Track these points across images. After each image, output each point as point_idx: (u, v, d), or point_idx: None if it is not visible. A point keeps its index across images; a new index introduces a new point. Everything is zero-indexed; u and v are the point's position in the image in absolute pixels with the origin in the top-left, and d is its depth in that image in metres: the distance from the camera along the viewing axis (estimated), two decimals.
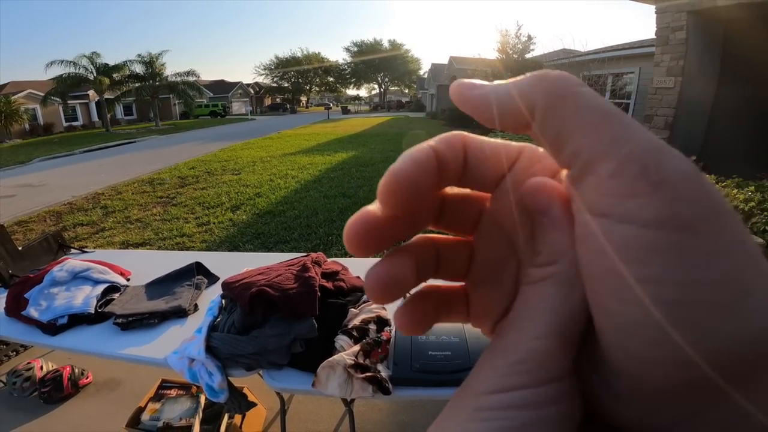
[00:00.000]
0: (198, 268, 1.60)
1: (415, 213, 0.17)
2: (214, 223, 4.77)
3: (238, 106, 41.04)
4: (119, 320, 1.28)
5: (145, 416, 1.52)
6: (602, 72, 6.61)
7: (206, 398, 1.58)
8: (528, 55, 12.59)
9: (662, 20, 5.78)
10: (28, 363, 2.02)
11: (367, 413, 1.78)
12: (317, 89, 50.41)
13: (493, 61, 13.25)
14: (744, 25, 5.04)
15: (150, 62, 23.32)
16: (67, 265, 1.50)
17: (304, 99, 52.28)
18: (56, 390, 1.93)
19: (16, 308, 1.37)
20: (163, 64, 23.76)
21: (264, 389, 1.63)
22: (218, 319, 1.13)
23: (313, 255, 1.31)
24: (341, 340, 0.99)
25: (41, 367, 2.02)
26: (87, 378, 2.07)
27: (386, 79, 48.26)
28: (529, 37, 12.54)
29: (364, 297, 1.23)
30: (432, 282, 0.18)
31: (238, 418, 1.57)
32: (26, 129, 21.96)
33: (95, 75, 21.43)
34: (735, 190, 2.95)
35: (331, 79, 48.46)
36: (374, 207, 0.15)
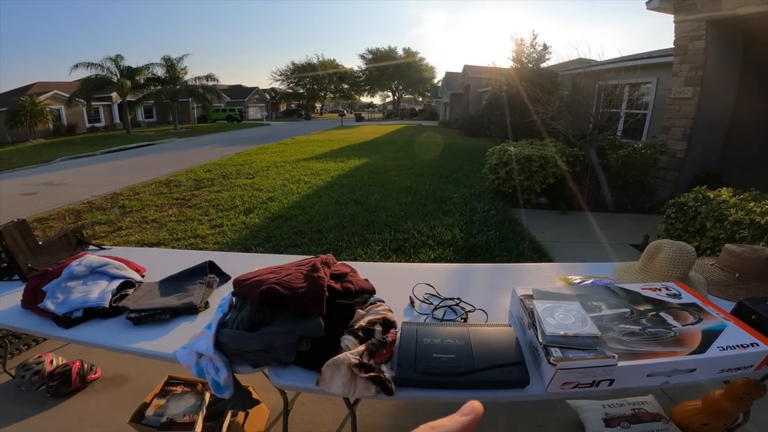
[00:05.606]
0: (210, 267, 1.63)
1: None
2: (227, 226, 4.85)
3: (254, 111, 41.72)
4: (132, 315, 1.31)
5: (149, 412, 1.54)
6: (618, 82, 6.53)
7: (210, 395, 1.60)
8: (543, 65, 12.52)
9: (681, 29, 5.72)
10: (39, 357, 2.06)
11: (370, 416, 1.78)
12: (332, 96, 50.95)
13: (508, 69, 13.21)
14: (765, 34, 4.95)
15: (171, 66, 23.90)
16: (85, 260, 1.54)
17: (318, 105, 52.86)
18: (64, 384, 1.96)
19: (33, 300, 1.41)
20: (183, 68, 24.32)
21: (268, 390, 1.64)
22: (228, 316, 1.15)
23: (323, 256, 1.33)
24: (347, 339, 1.00)
25: (51, 362, 2.06)
26: (95, 373, 2.11)
27: (400, 87, 48.57)
28: (545, 46, 12.48)
29: (371, 299, 1.24)
30: None
31: (241, 416, 1.58)
32: (50, 129, 22.67)
33: (119, 77, 22.05)
34: (752, 203, 2.87)
35: (345, 86, 48.95)
36: None
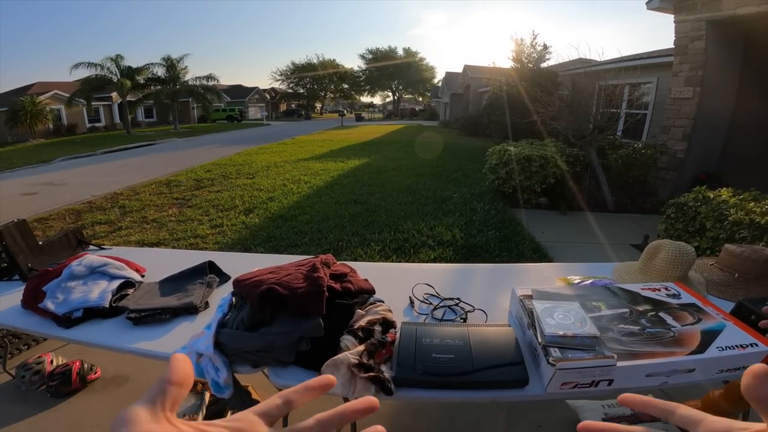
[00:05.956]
0: (210, 267, 1.63)
1: None
2: (227, 226, 4.85)
3: (254, 111, 41.73)
4: (132, 315, 1.31)
5: None
6: (618, 82, 6.53)
7: (210, 395, 1.60)
8: (543, 65, 12.52)
9: (681, 29, 5.72)
10: (39, 357, 2.06)
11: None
12: (332, 96, 50.95)
13: (508, 69, 13.21)
14: (765, 34, 4.95)
15: (171, 66, 23.90)
16: (85, 260, 1.54)
17: (318, 105, 52.86)
18: (64, 384, 1.96)
19: (33, 300, 1.41)
20: (184, 68, 24.33)
21: (268, 390, 1.64)
22: (227, 316, 1.15)
23: (323, 256, 1.33)
24: (347, 339, 1.00)
25: (51, 362, 2.06)
26: (95, 373, 2.11)
27: (400, 87, 48.59)
28: (545, 46, 12.48)
29: (371, 299, 1.24)
30: None
31: None
32: (50, 129, 22.65)
33: (119, 77, 22.05)
34: (752, 203, 2.87)
35: (345, 86, 48.94)
36: None
